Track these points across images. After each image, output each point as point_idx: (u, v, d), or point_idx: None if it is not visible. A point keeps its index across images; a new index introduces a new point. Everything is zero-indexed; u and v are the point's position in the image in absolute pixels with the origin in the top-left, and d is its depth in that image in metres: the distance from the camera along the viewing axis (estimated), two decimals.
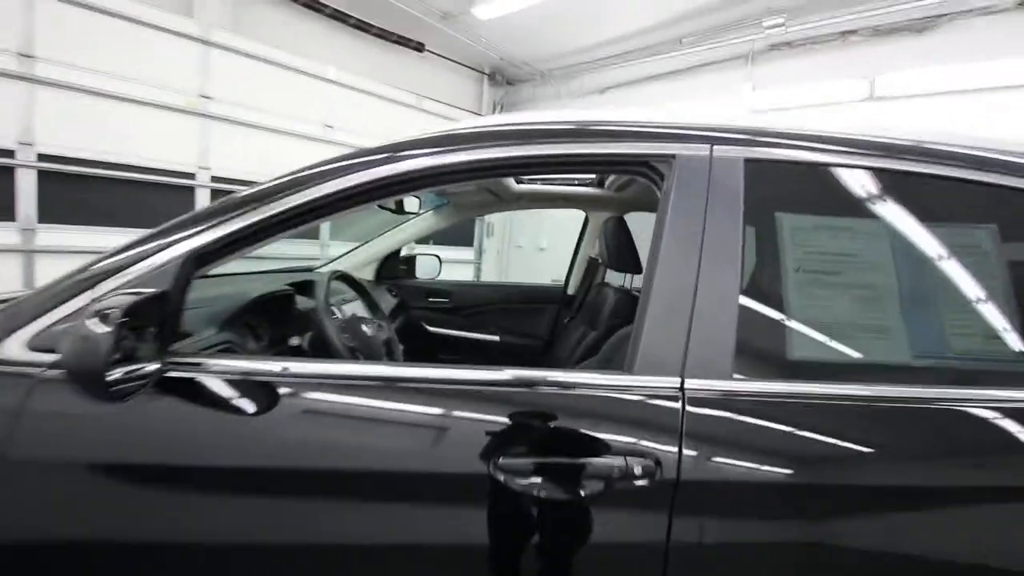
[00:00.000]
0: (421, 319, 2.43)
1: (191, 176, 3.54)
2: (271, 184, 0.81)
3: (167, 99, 3.35)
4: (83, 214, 3.09)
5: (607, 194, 2.19)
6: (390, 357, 1.45)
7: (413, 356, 2.40)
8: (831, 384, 0.75)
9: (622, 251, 1.37)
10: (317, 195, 0.79)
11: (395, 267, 2.44)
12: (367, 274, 2.33)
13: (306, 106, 4.13)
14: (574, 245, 2.48)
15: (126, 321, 0.64)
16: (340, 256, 2.30)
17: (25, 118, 2.84)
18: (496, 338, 2.45)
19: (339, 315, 1.38)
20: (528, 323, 2.48)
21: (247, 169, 3.76)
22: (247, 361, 0.78)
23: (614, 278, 2.15)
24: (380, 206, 1.85)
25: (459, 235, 5.61)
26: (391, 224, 2.32)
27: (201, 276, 0.80)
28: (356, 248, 2.33)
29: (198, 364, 0.75)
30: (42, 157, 2.91)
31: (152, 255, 0.76)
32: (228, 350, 0.99)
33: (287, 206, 0.79)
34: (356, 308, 1.68)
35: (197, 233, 0.78)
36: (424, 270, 2.54)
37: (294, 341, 1.18)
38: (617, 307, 1.80)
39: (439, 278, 2.56)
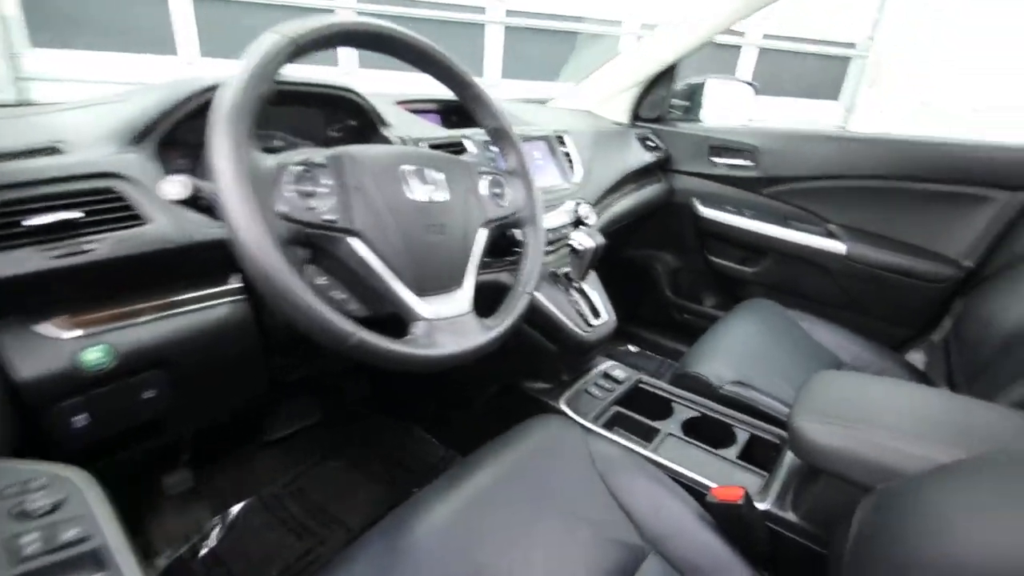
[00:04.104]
0: (693, 195, 1.43)
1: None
2: None
3: None
4: None
5: None
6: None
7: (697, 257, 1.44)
8: None
9: None
10: None
11: (662, 102, 1.44)
12: (616, 113, 1.42)
13: None
14: None
15: None
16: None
17: None
18: (841, 248, 1.26)
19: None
20: (924, 225, 1.18)
21: None
22: None
23: None
24: None
25: (804, 80, 3.63)
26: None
27: None
28: (598, 71, 1.41)
29: None
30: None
31: None
32: None
33: None
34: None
35: None
36: (717, 106, 1.45)
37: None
38: None
39: (743, 126, 1.44)
